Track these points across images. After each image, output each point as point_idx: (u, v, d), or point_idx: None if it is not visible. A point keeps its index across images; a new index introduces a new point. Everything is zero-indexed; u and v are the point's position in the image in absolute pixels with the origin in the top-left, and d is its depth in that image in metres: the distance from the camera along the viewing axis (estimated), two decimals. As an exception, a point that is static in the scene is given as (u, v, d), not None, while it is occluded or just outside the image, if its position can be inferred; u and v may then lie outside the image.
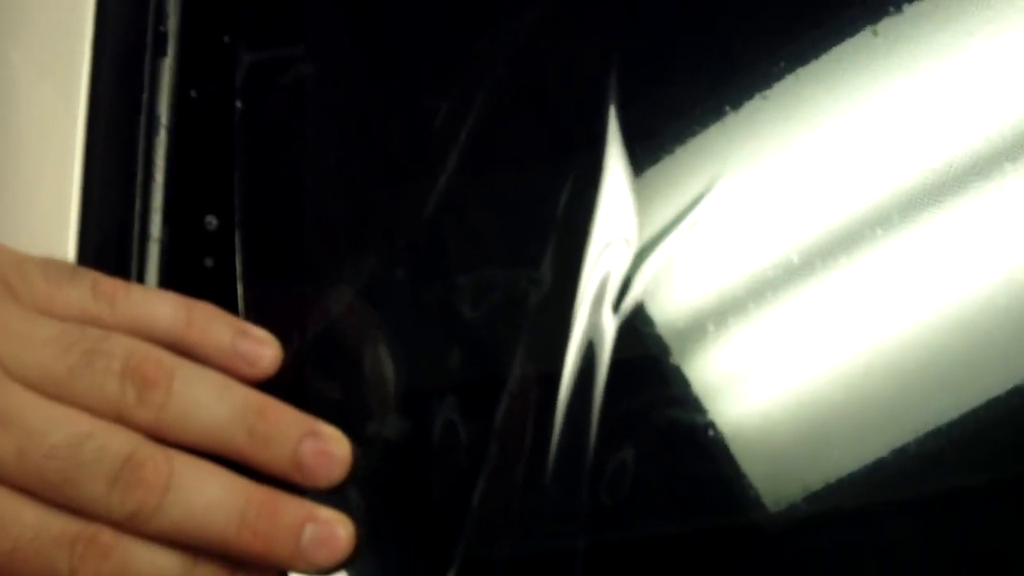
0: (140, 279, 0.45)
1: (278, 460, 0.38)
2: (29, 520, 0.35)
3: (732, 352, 0.40)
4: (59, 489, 0.35)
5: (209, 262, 0.46)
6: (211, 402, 0.38)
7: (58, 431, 0.36)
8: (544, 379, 0.40)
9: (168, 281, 0.45)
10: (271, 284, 0.46)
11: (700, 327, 0.41)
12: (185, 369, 0.38)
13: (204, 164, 0.47)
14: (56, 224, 0.45)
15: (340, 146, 0.47)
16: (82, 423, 0.36)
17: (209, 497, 0.37)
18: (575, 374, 0.40)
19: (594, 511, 0.39)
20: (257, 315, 0.44)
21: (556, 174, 0.43)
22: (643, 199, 0.42)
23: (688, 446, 0.39)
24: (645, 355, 0.41)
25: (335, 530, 0.38)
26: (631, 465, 0.39)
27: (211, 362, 0.39)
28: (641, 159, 0.43)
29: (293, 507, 0.38)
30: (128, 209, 0.45)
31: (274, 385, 0.41)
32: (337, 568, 0.38)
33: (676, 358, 0.40)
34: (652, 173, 0.43)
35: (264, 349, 0.41)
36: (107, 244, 0.45)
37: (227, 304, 0.45)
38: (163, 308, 0.40)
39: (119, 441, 0.36)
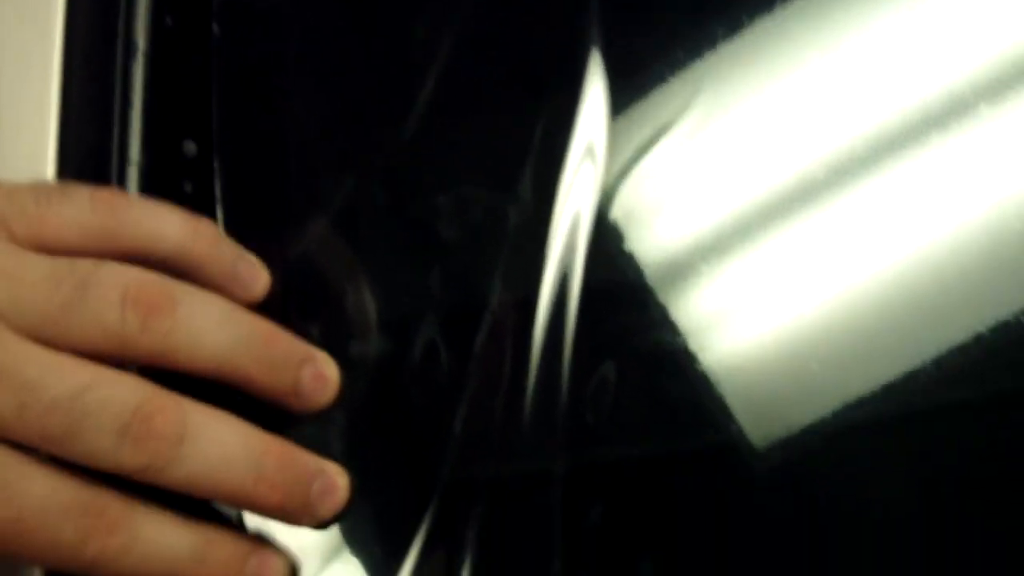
0: None
1: (280, 385, 0.38)
2: (36, 489, 0.34)
3: (711, 275, 0.41)
4: (63, 444, 0.34)
5: (188, 187, 0.46)
6: (218, 328, 0.37)
7: (59, 383, 0.34)
8: (523, 301, 0.41)
9: None
10: (250, 209, 0.46)
11: (677, 249, 0.41)
12: (189, 294, 0.37)
13: (182, 90, 0.47)
14: (35, 150, 0.45)
15: (317, 70, 0.47)
16: (83, 373, 0.35)
17: (226, 448, 0.36)
18: (553, 295, 0.41)
19: (576, 430, 0.40)
20: (236, 240, 0.45)
21: (534, 98, 0.43)
22: (621, 121, 0.42)
23: (669, 368, 0.40)
24: (622, 279, 0.41)
25: (336, 480, 0.38)
26: (612, 383, 0.40)
27: (210, 283, 0.38)
28: (620, 83, 0.43)
29: (305, 458, 0.37)
30: (107, 135, 0.45)
31: (256, 308, 0.41)
32: (335, 520, 0.38)
33: (653, 282, 0.41)
34: (631, 96, 0.43)
35: (258, 273, 0.41)
36: (86, 169, 0.45)
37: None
38: (171, 221, 0.38)
39: (126, 390, 0.35)
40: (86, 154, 0.45)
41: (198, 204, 0.45)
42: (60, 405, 0.34)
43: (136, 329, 0.35)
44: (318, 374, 0.38)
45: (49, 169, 0.44)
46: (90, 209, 0.37)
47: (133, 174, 0.45)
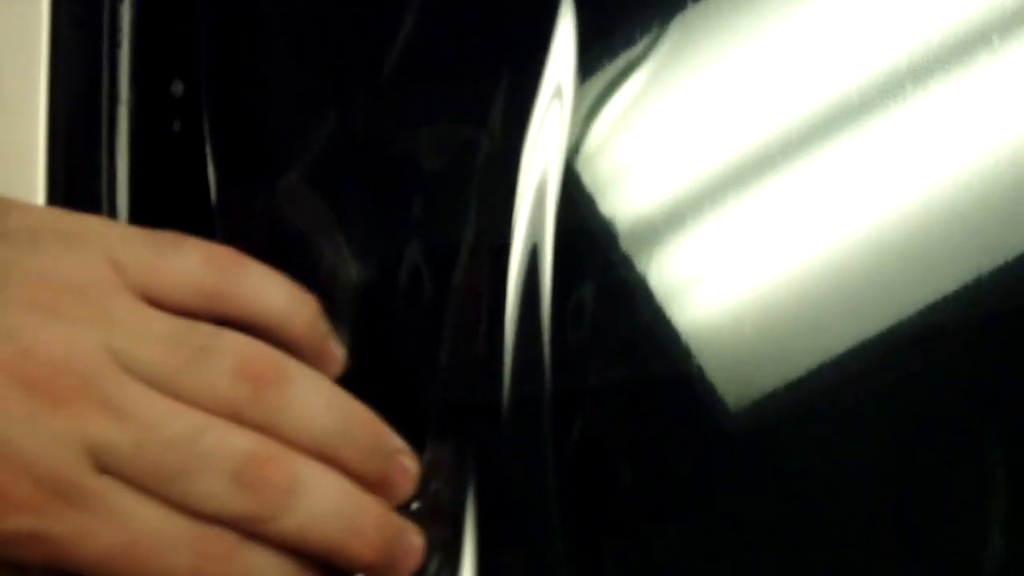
0: (110, 143, 0.46)
1: (372, 474, 0.38)
2: (149, 516, 0.34)
3: (679, 211, 0.42)
4: (176, 482, 0.34)
5: (177, 126, 0.47)
6: (325, 411, 0.37)
7: (176, 423, 0.35)
8: (499, 232, 0.42)
9: (137, 144, 0.46)
10: (239, 147, 0.47)
11: (647, 184, 0.42)
12: (300, 373, 0.37)
13: (169, 30, 0.48)
14: (26, 88, 0.46)
15: (301, 10, 0.48)
16: (199, 417, 0.35)
17: (333, 503, 0.36)
18: (528, 230, 0.42)
19: (558, 355, 0.41)
20: (225, 178, 0.46)
21: (508, 35, 0.45)
22: (592, 60, 0.43)
23: (640, 297, 0.41)
24: (591, 217, 0.42)
25: (415, 541, 0.38)
26: (589, 306, 0.41)
27: (300, 356, 0.38)
28: (590, 23, 0.44)
29: (394, 519, 0.38)
30: (96, 74, 0.46)
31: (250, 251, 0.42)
32: None
33: (621, 219, 0.42)
34: (600, 35, 0.44)
35: (340, 355, 0.41)
36: (76, 108, 0.46)
37: (197, 167, 0.46)
38: (279, 293, 0.38)
39: (240, 437, 0.35)
40: (76, 94, 0.46)
41: (187, 142, 0.46)
42: (176, 445, 0.34)
43: (247, 400, 0.36)
44: (404, 469, 0.39)
45: (41, 109, 0.45)
46: (204, 267, 0.37)
47: (123, 113, 0.46)
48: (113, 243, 0.37)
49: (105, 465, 0.34)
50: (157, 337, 0.36)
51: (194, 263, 0.37)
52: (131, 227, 0.38)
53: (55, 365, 0.34)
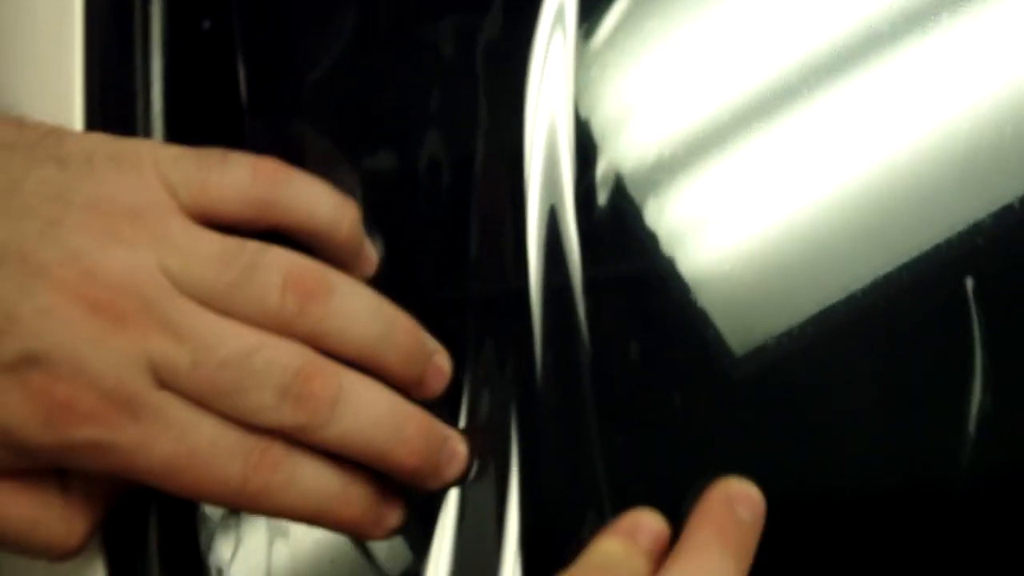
0: (144, 39, 0.47)
1: (410, 376, 0.40)
2: (205, 427, 0.37)
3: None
4: (230, 398, 0.37)
5: (207, 24, 0.48)
6: (367, 319, 0.39)
7: (229, 343, 0.37)
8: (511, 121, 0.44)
9: (170, 41, 0.47)
10: (268, 44, 0.48)
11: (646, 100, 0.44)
12: (344, 284, 0.39)
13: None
14: (60, 28, 0.46)
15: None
16: (251, 336, 0.37)
17: (376, 412, 0.39)
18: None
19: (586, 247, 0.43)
20: (254, 73, 0.47)
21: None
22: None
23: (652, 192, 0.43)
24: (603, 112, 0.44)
25: (459, 447, 0.41)
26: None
27: (341, 260, 0.41)
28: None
29: (438, 426, 0.40)
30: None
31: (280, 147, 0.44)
32: (455, 484, 0.41)
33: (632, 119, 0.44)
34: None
35: (374, 258, 0.43)
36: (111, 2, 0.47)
37: (227, 64, 0.48)
38: (324, 200, 0.40)
39: (288, 354, 0.38)
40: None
41: (218, 39, 0.47)
42: (230, 363, 0.37)
43: (294, 312, 0.38)
44: (440, 369, 0.42)
45: (77, 41, 0.46)
46: (252, 179, 0.39)
47: (156, 10, 0.47)
48: (164, 165, 0.39)
49: (164, 381, 0.37)
50: (208, 257, 0.38)
51: (241, 176, 0.39)
52: (179, 147, 0.40)
53: (116, 287, 0.37)
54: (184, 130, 0.46)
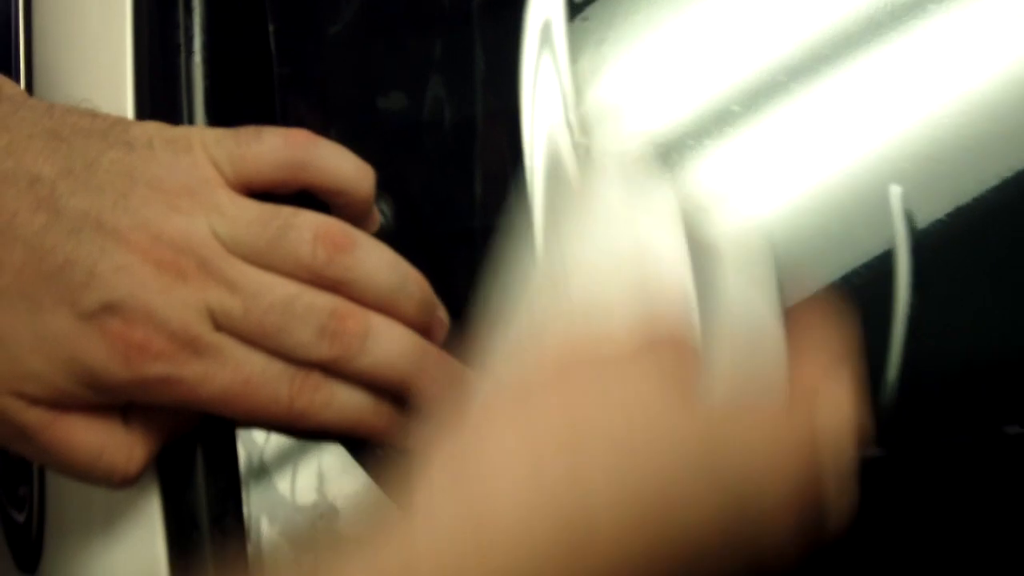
0: (187, 40, 0.53)
1: (421, 323, 0.46)
2: (256, 361, 0.43)
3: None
4: (276, 337, 0.43)
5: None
6: (388, 270, 0.45)
7: (274, 291, 0.43)
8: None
9: (209, 45, 0.53)
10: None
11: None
12: (366, 239, 0.45)
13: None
14: None
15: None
16: (290, 286, 0.44)
17: (399, 346, 0.45)
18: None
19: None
20: (282, 25, 0.53)
21: None
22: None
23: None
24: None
25: (462, 374, 0.46)
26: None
27: (358, 216, 0.47)
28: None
29: (450, 360, 0.46)
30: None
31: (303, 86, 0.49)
32: None
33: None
34: None
35: (377, 217, 0.50)
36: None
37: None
38: (348, 161, 0.47)
39: (323, 299, 0.44)
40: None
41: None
42: (275, 308, 0.43)
43: (323, 262, 0.44)
44: (442, 320, 0.48)
45: (127, 43, 0.52)
46: (284, 146, 0.46)
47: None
48: (209, 146, 0.45)
49: (220, 325, 0.44)
50: (250, 221, 0.45)
51: (275, 144, 0.46)
52: (221, 129, 0.47)
53: (178, 248, 0.43)
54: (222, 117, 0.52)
